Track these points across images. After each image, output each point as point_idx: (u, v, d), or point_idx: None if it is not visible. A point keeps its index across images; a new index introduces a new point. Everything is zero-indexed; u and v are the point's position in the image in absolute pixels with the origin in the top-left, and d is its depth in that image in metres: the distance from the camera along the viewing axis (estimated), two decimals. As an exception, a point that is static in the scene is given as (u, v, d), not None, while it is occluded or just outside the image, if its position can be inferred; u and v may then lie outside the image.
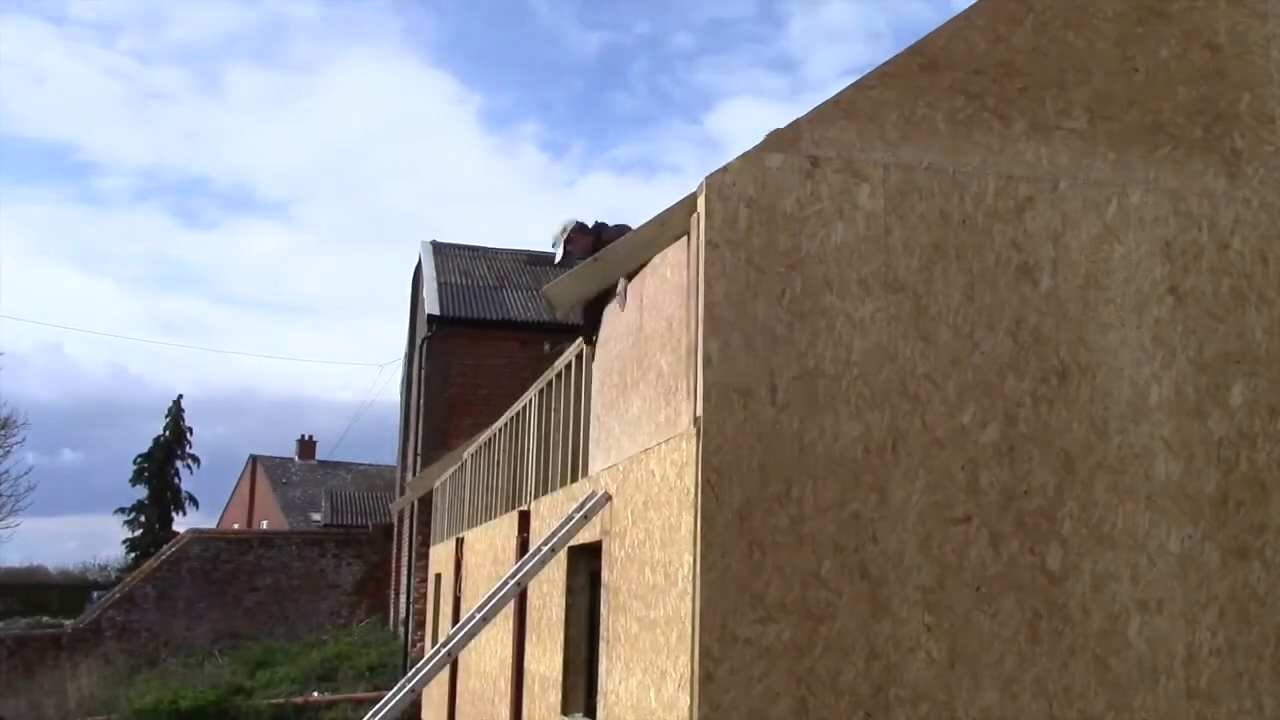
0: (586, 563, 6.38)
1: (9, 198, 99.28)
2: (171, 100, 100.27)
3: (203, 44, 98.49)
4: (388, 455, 37.78)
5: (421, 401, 20.59)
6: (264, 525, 44.58)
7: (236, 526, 46.12)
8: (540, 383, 8.14)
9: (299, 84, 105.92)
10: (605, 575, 5.56)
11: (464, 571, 12.12)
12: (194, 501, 50.54)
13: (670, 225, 4.54)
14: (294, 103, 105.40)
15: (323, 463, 49.87)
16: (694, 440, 4.18)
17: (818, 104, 4.49)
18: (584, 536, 5.84)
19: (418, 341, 22.23)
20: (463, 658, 10.73)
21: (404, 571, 21.83)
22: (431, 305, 20.31)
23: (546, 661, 6.93)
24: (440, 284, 21.32)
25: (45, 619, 30.80)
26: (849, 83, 4.57)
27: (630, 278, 5.31)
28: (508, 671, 8.24)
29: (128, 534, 48.08)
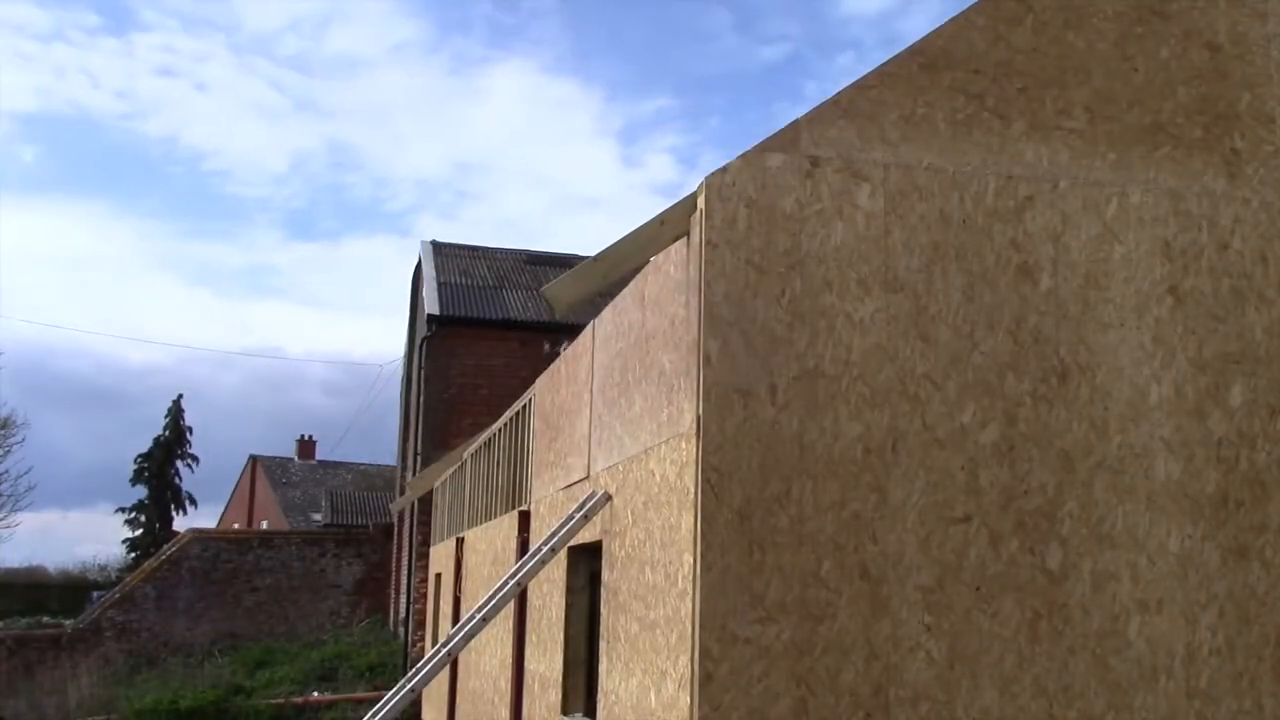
0: (586, 563, 6.38)
1: (134, 209, 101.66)
2: (320, 110, 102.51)
3: (363, 53, 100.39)
4: (388, 455, 37.81)
5: (421, 401, 20.59)
6: (264, 525, 44.60)
7: (236, 526, 46.14)
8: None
9: (449, 92, 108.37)
10: (605, 575, 5.56)
11: (464, 571, 12.12)
12: (193, 501, 50.65)
13: (670, 225, 4.54)
14: (439, 110, 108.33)
15: (323, 462, 49.93)
16: (694, 440, 4.18)
17: (818, 104, 4.50)
18: (584, 536, 5.84)
19: (418, 341, 22.23)
20: (463, 657, 10.74)
21: (404, 571, 21.84)
22: (431, 305, 20.31)
23: (546, 661, 6.93)
24: (440, 284, 21.32)
25: (45, 619, 30.83)
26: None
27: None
28: (508, 671, 8.25)
29: (127, 533, 48.16)
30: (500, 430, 10.09)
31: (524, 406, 8.80)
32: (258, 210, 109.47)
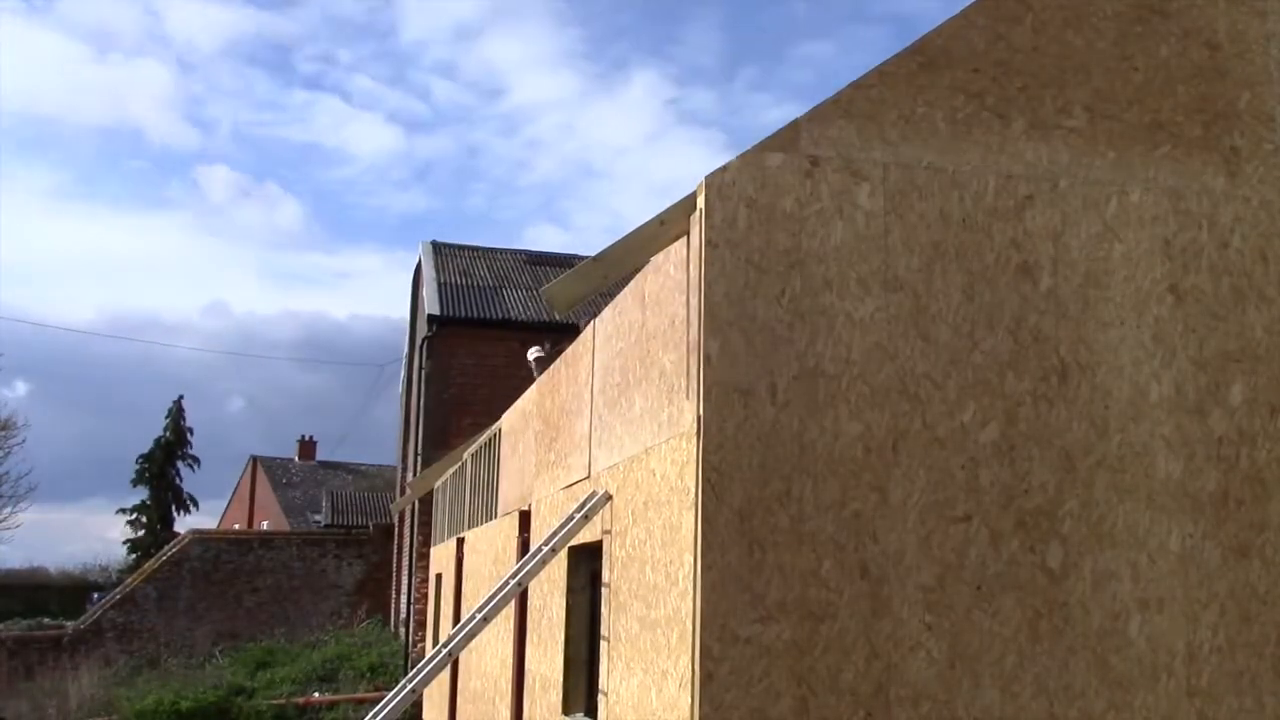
0: (587, 562, 6.38)
1: (238, 216, 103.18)
2: (456, 118, 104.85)
3: (509, 60, 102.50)
4: (388, 456, 37.83)
5: (421, 401, 20.60)
6: (264, 526, 44.59)
7: (237, 527, 46.14)
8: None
9: (585, 100, 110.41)
10: (606, 575, 5.56)
11: (465, 572, 12.12)
12: (194, 502, 50.64)
13: (670, 225, 4.54)
14: (572, 117, 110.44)
15: (323, 463, 49.93)
16: (694, 440, 4.18)
17: (817, 103, 4.50)
18: (584, 536, 5.84)
19: (418, 342, 22.23)
20: (463, 658, 10.74)
21: (405, 572, 21.85)
22: (431, 305, 20.32)
23: (547, 661, 6.94)
24: (440, 284, 21.33)
25: (46, 620, 30.84)
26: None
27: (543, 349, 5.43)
28: (508, 671, 8.25)
29: (129, 534, 48.15)
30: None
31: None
32: (373, 218, 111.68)
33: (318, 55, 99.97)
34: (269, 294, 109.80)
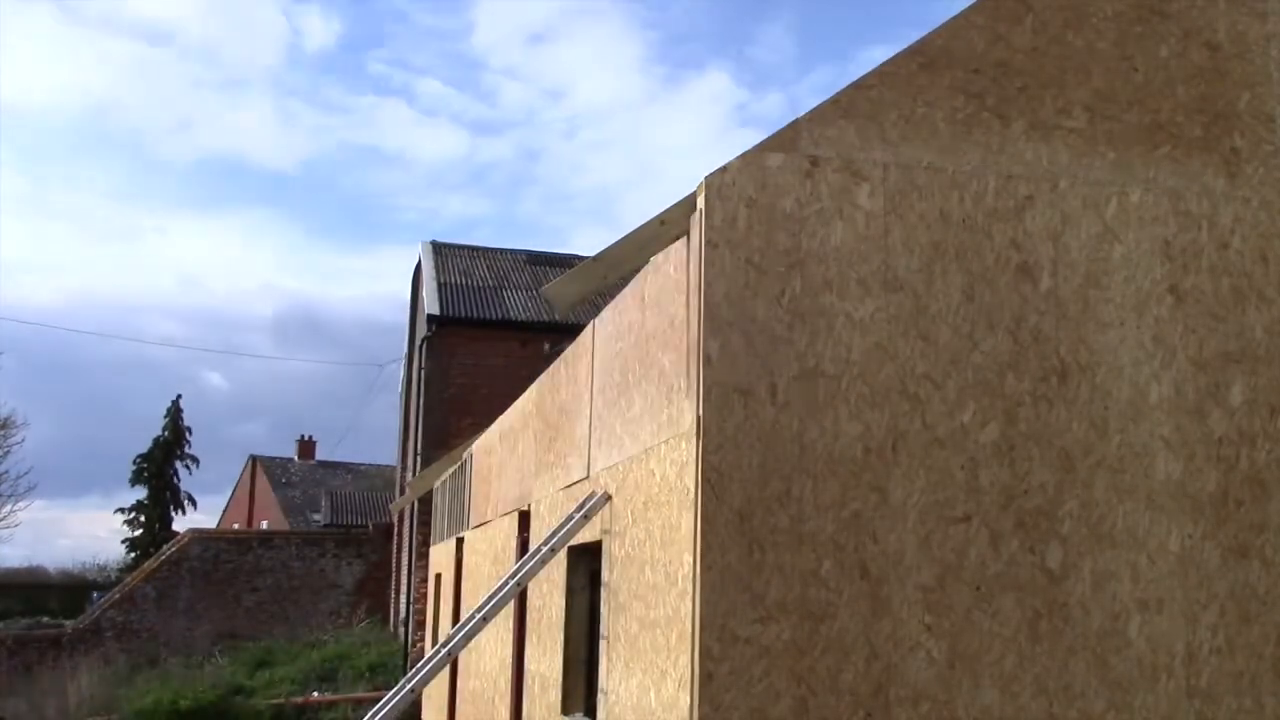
0: (586, 563, 6.38)
1: (284, 223, 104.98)
2: (518, 122, 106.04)
3: (577, 63, 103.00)
4: (388, 455, 37.84)
5: (421, 401, 20.60)
6: (264, 525, 44.60)
7: (236, 526, 46.14)
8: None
9: (648, 102, 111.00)
10: (605, 575, 5.56)
11: (464, 571, 12.12)
12: (193, 501, 50.68)
13: (670, 225, 4.54)
14: (633, 120, 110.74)
15: (323, 463, 49.96)
16: (694, 440, 4.18)
17: (817, 104, 4.50)
18: (584, 536, 5.84)
19: (418, 341, 22.24)
20: (463, 657, 10.74)
21: (404, 571, 21.86)
22: (431, 305, 20.32)
23: (546, 661, 6.93)
24: (440, 284, 21.33)
25: (45, 619, 30.86)
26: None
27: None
28: (508, 671, 8.25)
29: (125, 532, 48.18)
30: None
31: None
32: (421, 221, 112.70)
33: (391, 59, 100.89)
34: (283, 288, 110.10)
